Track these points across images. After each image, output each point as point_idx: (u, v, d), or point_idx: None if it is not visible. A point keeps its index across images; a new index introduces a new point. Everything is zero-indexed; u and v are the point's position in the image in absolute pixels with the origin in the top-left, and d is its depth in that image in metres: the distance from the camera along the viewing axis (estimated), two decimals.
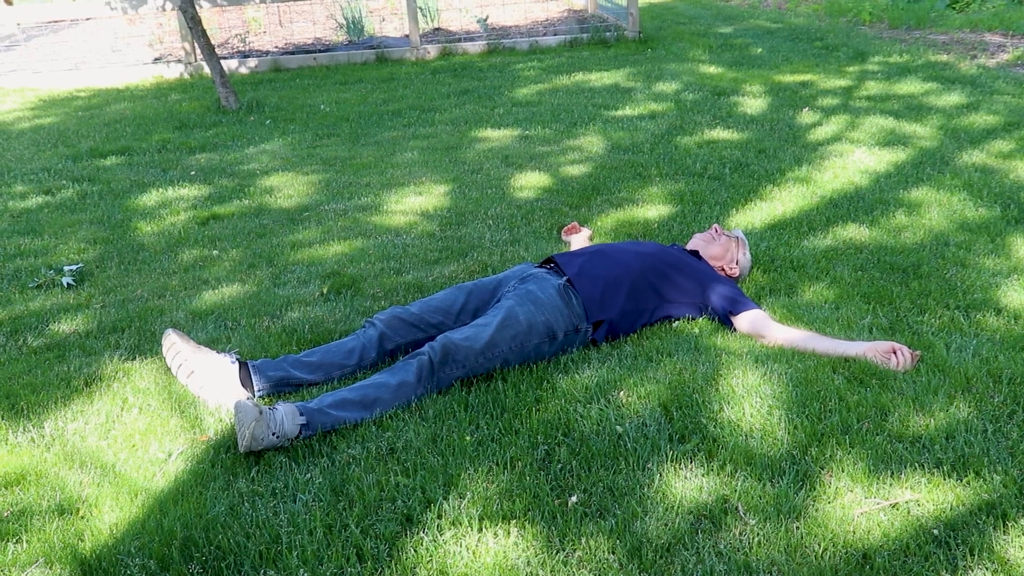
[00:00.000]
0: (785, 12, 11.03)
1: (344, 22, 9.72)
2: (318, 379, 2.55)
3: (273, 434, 2.15)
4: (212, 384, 2.46)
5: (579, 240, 3.52)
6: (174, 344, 2.51)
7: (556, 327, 2.58)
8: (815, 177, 4.29)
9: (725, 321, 2.76)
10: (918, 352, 2.49)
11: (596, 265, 2.76)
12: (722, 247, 3.06)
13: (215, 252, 3.76)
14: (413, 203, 4.26)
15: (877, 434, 2.15)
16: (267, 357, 2.66)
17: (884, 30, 9.01)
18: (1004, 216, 3.64)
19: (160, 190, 4.67)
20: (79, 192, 4.72)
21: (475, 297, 2.75)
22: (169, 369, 2.56)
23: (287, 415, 2.18)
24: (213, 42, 7.78)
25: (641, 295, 2.74)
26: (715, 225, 3.15)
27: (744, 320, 2.72)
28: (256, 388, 2.49)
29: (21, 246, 3.95)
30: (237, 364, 2.50)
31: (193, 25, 6.65)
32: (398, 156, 5.14)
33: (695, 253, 3.01)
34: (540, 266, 2.87)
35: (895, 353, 2.46)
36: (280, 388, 2.52)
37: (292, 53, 8.94)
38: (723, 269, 3.02)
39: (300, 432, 2.20)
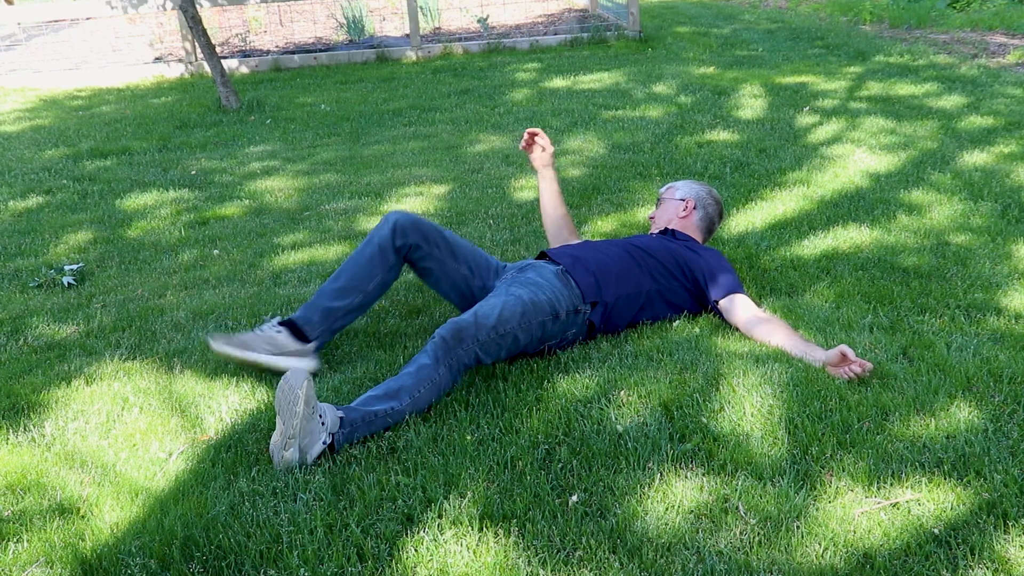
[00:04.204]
0: (785, 12, 11.03)
1: (345, 21, 9.72)
2: (354, 305, 2.65)
3: (320, 420, 2.11)
4: (279, 360, 2.55)
5: (543, 159, 3.15)
6: (223, 348, 2.55)
7: (558, 306, 2.59)
8: (815, 177, 4.29)
9: (712, 306, 2.80)
10: (869, 364, 2.38)
11: (587, 255, 2.79)
12: (665, 211, 3.13)
13: (215, 252, 3.76)
14: (414, 203, 4.26)
15: (878, 434, 2.15)
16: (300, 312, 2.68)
17: (885, 30, 9.01)
18: (1004, 216, 3.64)
19: (160, 190, 4.67)
20: (79, 192, 4.72)
21: (474, 259, 2.82)
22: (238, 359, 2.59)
23: (329, 408, 2.16)
24: (214, 41, 7.78)
25: (633, 277, 2.76)
26: (649, 215, 3.22)
27: (726, 305, 2.74)
28: (315, 344, 2.61)
29: (21, 246, 3.95)
30: (286, 329, 2.58)
31: (194, 24, 6.65)
32: (399, 156, 5.15)
33: (675, 234, 3.01)
34: (536, 259, 2.90)
35: (851, 367, 2.38)
36: (332, 335, 2.66)
37: (293, 53, 8.94)
38: (684, 217, 3.07)
39: (340, 423, 2.16)
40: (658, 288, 2.79)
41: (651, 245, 2.87)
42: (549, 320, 2.57)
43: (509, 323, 2.47)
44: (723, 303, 2.75)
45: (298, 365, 2.54)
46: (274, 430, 2.22)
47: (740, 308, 2.72)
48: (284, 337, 2.58)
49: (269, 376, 2.59)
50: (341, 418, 2.17)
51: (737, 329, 2.72)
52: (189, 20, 6.67)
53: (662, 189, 3.24)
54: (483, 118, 5.95)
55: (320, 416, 2.13)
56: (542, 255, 2.90)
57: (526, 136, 3.11)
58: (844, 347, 2.37)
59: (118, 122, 6.46)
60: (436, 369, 2.34)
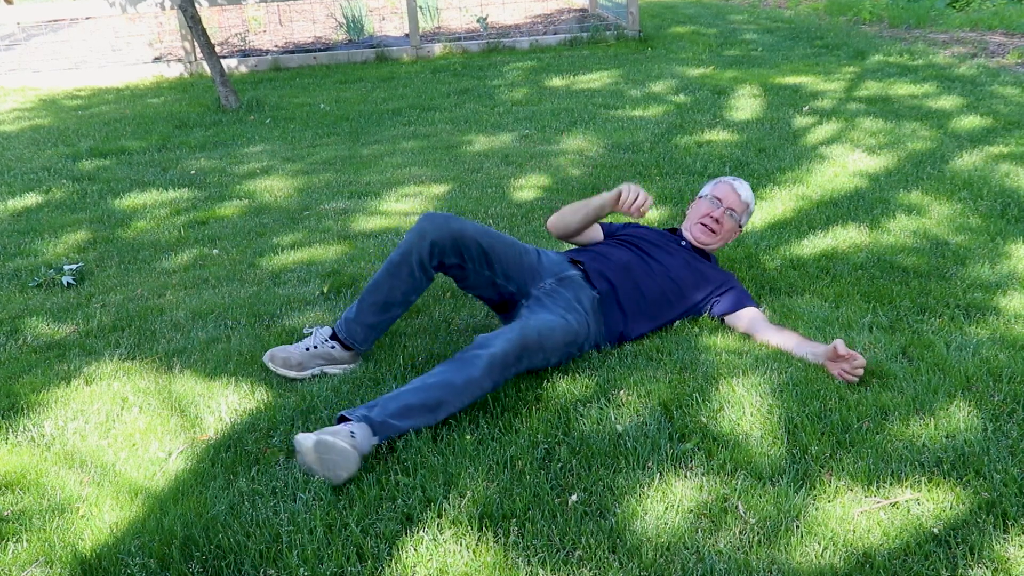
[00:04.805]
0: (784, 11, 11.03)
1: (344, 21, 9.72)
2: (396, 315, 2.68)
3: (362, 458, 2.09)
4: (334, 368, 2.64)
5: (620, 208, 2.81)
6: (281, 372, 2.60)
7: (586, 342, 2.60)
8: (815, 176, 4.29)
9: (719, 318, 2.80)
10: (861, 359, 2.37)
11: (623, 284, 2.72)
12: (727, 233, 2.95)
13: (214, 251, 3.76)
14: (413, 202, 4.26)
15: (877, 433, 2.15)
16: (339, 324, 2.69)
17: (884, 29, 9.01)
18: (1004, 216, 3.64)
19: (160, 189, 4.67)
20: (79, 191, 4.72)
21: (509, 263, 2.66)
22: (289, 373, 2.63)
23: (364, 438, 2.11)
24: (213, 41, 7.78)
25: (662, 314, 2.77)
26: (712, 213, 2.90)
27: (740, 318, 2.75)
28: (359, 352, 2.68)
29: (21, 245, 3.95)
30: (337, 342, 2.63)
31: (193, 24, 6.64)
32: (398, 155, 5.14)
33: (703, 252, 2.96)
34: (572, 266, 2.79)
35: (841, 364, 2.39)
36: (376, 341, 2.71)
37: (292, 52, 8.93)
38: (725, 241, 2.98)
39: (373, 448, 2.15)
40: (681, 319, 2.82)
41: (685, 277, 2.81)
42: (576, 352, 2.59)
43: (557, 348, 2.46)
44: (735, 314, 2.77)
45: (342, 370, 2.65)
46: (275, 429, 2.22)
47: (746, 316, 2.74)
48: (338, 351, 2.64)
49: (269, 376, 2.59)
50: (376, 445, 2.14)
51: (744, 334, 2.72)
52: (188, 20, 6.66)
53: (744, 194, 2.95)
54: (482, 117, 5.95)
55: (363, 456, 2.09)
56: (576, 262, 2.80)
57: (641, 206, 2.71)
58: (838, 341, 2.37)
59: (117, 122, 6.45)
60: (482, 384, 2.26)
